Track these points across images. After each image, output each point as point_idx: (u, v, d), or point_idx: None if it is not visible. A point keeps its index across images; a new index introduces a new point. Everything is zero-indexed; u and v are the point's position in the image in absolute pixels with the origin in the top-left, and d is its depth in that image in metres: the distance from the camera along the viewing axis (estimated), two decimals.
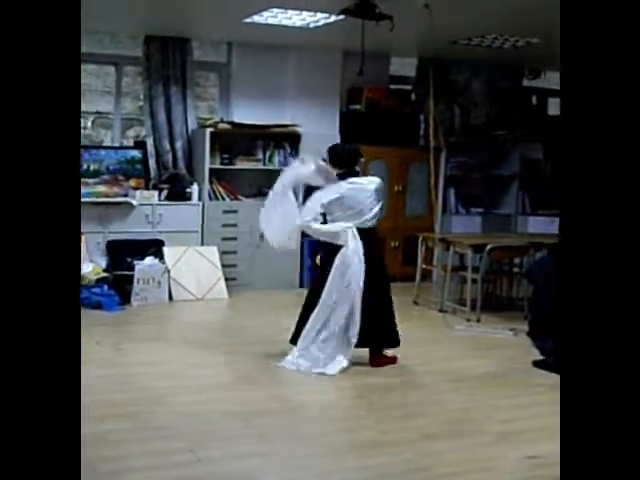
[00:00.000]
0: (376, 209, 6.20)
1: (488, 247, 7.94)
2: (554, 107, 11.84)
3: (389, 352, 6.38)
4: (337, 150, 6.36)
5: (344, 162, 6.24)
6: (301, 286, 9.70)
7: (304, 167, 6.26)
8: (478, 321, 7.95)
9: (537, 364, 6.37)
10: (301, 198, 7.58)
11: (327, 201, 6.10)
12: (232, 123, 9.44)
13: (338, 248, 6.09)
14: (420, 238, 8.94)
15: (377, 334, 6.24)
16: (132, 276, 8.44)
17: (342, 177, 6.16)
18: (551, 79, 12.03)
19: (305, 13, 7.82)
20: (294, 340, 6.28)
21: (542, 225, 9.49)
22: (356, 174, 6.22)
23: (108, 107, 10.23)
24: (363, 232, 6.12)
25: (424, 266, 9.07)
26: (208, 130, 9.21)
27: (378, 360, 6.31)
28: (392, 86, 10.75)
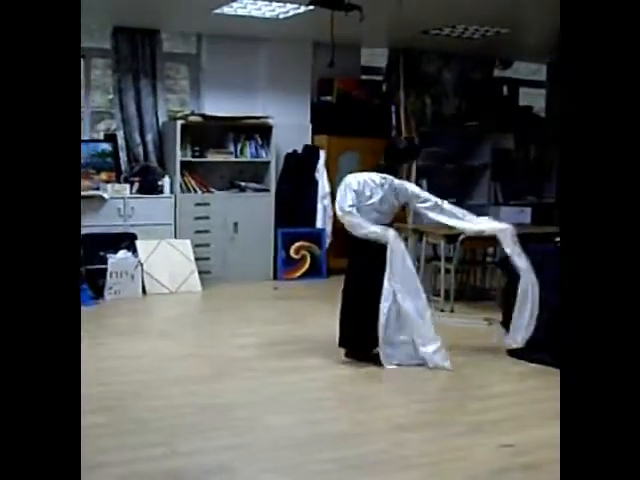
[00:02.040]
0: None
1: (461, 237, 7.95)
2: (525, 97, 11.91)
3: None
4: (390, 143, 6.47)
5: (385, 155, 6.26)
6: (275, 278, 9.70)
7: None
8: (452, 311, 7.97)
9: (511, 353, 6.39)
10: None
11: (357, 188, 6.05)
12: (203, 115, 9.40)
13: (369, 243, 6.06)
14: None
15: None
16: (105, 270, 8.39)
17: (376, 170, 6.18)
18: (521, 69, 12.09)
19: (274, 4, 7.81)
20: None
21: (514, 215, 9.51)
22: (387, 171, 6.17)
23: None
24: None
25: None
26: (179, 122, 9.16)
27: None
28: (363, 77, 10.75)
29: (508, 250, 6.22)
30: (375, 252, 6.00)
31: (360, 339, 6.19)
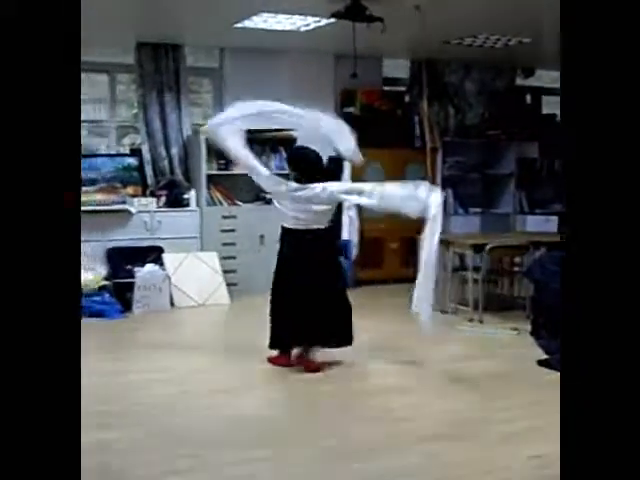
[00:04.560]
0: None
1: (488, 246, 7.93)
2: (548, 105, 11.88)
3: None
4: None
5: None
6: None
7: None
8: (481, 321, 7.92)
9: (541, 363, 6.37)
10: None
11: None
12: None
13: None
14: (419, 239, 8.92)
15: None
16: (133, 283, 8.45)
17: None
18: (544, 77, 12.06)
19: (296, 17, 7.84)
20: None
21: (540, 224, 9.50)
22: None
23: (103, 115, 10.22)
24: None
25: None
26: (203, 136, 9.20)
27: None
28: (385, 88, 10.75)
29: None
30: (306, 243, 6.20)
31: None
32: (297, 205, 6.12)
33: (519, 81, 11.54)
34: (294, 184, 6.20)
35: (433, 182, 10.13)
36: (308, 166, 6.28)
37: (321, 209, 6.15)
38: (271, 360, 6.33)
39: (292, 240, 6.22)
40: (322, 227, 6.23)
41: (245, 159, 6.42)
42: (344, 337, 6.27)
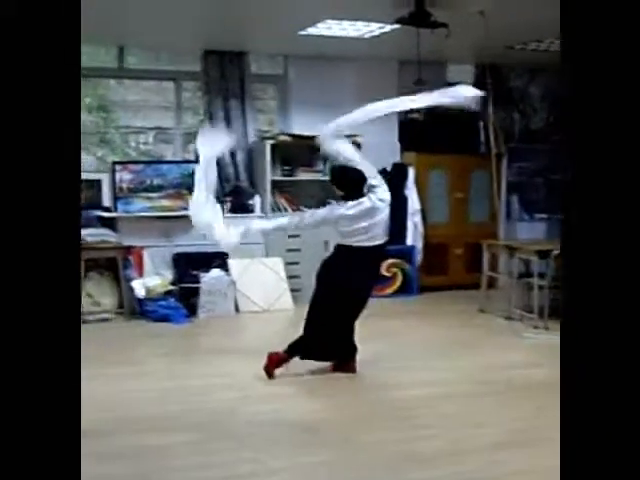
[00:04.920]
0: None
1: (554, 252, 7.83)
2: None
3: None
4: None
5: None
6: None
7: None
8: (546, 328, 7.81)
9: None
10: None
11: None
12: (292, 135, 9.50)
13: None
14: (484, 245, 8.88)
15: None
16: (198, 288, 8.54)
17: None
18: None
19: (359, 23, 7.85)
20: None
21: None
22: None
23: (169, 122, 10.35)
24: None
25: (489, 273, 8.98)
26: (268, 142, 9.28)
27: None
28: None
29: None
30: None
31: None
32: (352, 225, 6.13)
33: None
34: (342, 207, 6.19)
35: (498, 188, 10.11)
36: (352, 184, 6.24)
37: (374, 223, 6.15)
38: (336, 368, 6.35)
39: (350, 257, 6.24)
40: (380, 243, 6.24)
41: (299, 222, 6.71)
42: None
